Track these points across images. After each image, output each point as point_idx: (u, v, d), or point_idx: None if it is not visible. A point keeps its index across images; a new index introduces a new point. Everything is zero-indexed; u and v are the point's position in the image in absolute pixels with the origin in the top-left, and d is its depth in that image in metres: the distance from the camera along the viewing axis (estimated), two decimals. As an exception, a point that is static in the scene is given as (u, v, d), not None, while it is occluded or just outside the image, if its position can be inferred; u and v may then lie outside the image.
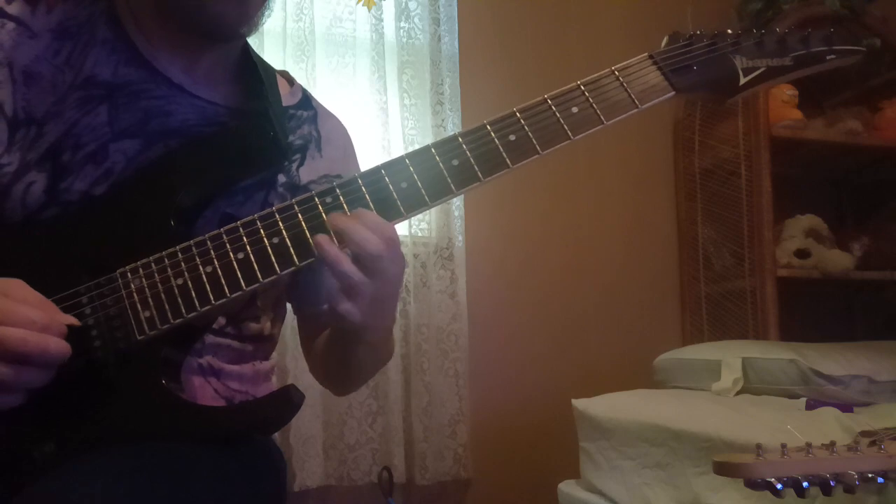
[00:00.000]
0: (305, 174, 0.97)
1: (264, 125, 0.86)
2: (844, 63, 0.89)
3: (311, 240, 0.76)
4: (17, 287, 0.71)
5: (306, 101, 1.02)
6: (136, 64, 0.87)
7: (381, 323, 0.83)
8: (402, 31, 2.15)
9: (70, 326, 0.71)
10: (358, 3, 2.10)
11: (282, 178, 0.94)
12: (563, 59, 2.34)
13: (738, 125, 2.22)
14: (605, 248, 2.36)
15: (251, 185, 0.89)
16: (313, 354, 1.02)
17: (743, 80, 0.85)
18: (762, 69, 0.86)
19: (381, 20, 2.11)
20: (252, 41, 0.99)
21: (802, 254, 2.22)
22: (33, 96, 0.83)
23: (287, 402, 0.78)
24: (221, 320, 0.88)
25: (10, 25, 0.85)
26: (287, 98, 0.98)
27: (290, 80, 1.03)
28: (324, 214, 0.76)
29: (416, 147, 2.18)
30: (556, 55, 2.35)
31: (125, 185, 0.82)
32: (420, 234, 2.12)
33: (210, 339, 0.88)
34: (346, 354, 0.89)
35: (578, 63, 2.32)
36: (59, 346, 0.69)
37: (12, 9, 0.87)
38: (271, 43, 2.00)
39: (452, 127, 2.13)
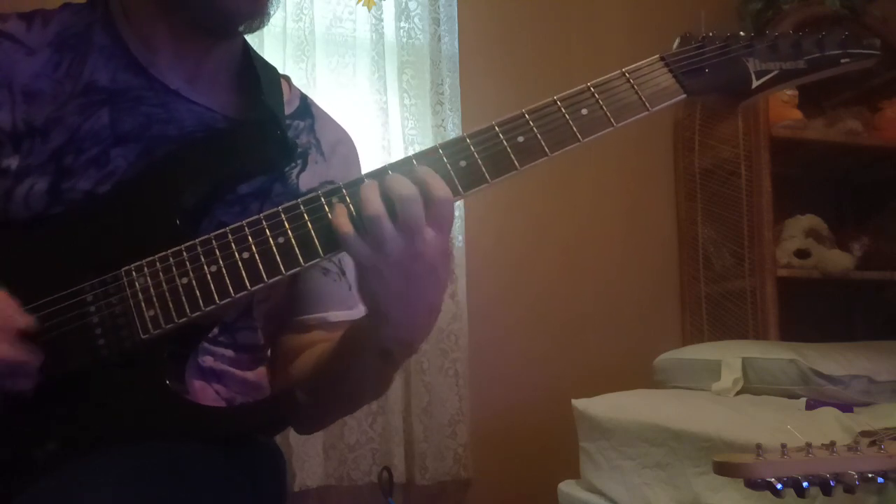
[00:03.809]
0: (307, 181, 0.96)
1: (268, 126, 0.86)
2: (859, 67, 0.87)
3: (317, 240, 0.74)
4: None
5: (304, 108, 1.01)
6: (133, 71, 0.87)
7: (409, 315, 0.74)
8: (402, 31, 2.15)
9: (72, 328, 0.71)
10: (358, 3, 2.10)
11: (279, 188, 0.92)
12: (564, 59, 2.34)
13: (738, 125, 2.22)
14: (604, 248, 2.36)
15: (247, 194, 0.89)
16: (290, 374, 0.93)
17: (756, 83, 0.83)
18: (775, 72, 0.84)
19: (381, 20, 2.11)
20: (252, 41, 0.99)
21: (802, 254, 2.22)
22: (35, 111, 0.83)
23: (289, 403, 0.78)
24: (215, 329, 0.88)
25: (7, 44, 0.85)
26: (285, 106, 0.97)
27: (290, 86, 1.02)
28: (329, 215, 0.75)
29: (417, 147, 2.19)
30: (557, 55, 2.35)
31: (130, 185, 0.82)
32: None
33: (205, 346, 0.88)
34: (351, 362, 0.83)
35: (579, 63, 2.32)
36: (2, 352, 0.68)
37: (8, 27, 0.86)
38: (271, 43, 2.00)
39: (452, 127, 2.13)
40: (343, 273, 0.98)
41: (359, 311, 0.94)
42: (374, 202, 0.68)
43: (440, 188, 0.70)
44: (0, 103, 0.82)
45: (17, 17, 0.88)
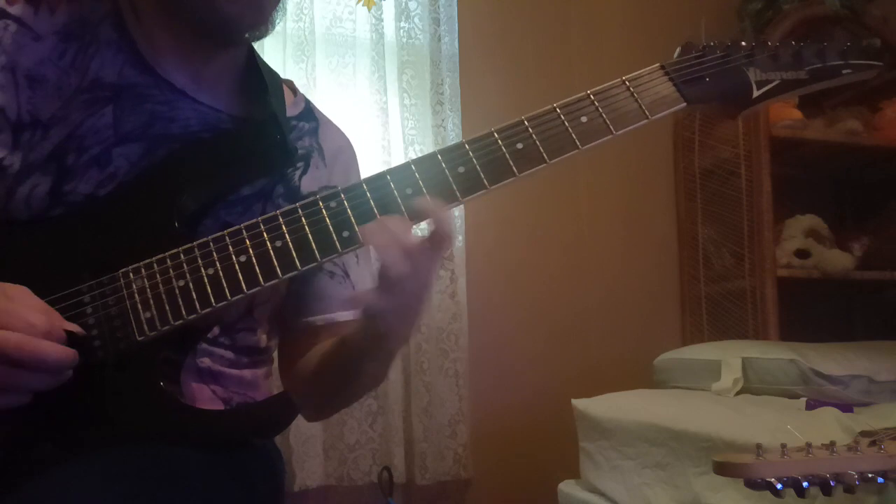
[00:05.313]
0: (307, 184, 0.96)
1: (270, 129, 0.86)
2: (861, 78, 0.87)
3: (314, 244, 0.75)
4: (22, 292, 0.71)
5: (308, 112, 1.01)
6: (140, 68, 0.87)
7: (406, 331, 0.80)
8: (402, 31, 2.15)
9: (71, 333, 0.71)
10: (358, 3, 2.10)
11: (280, 189, 0.93)
12: (564, 60, 2.34)
13: (737, 125, 2.22)
14: (604, 248, 2.36)
15: (250, 195, 0.89)
16: (297, 372, 0.96)
17: (756, 93, 0.83)
18: (776, 82, 0.84)
19: (381, 20, 2.11)
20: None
21: (802, 254, 2.22)
22: (39, 99, 0.82)
23: (286, 406, 0.78)
24: (215, 330, 0.88)
25: (13, 27, 0.84)
26: (290, 108, 0.97)
27: (294, 90, 1.02)
28: (328, 219, 0.75)
29: (417, 147, 2.18)
30: (557, 55, 2.34)
31: (129, 186, 0.82)
32: (420, 235, 2.12)
33: (204, 347, 0.88)
34: (350, 368, 0.86)
35: (579, 63, 2.32)
36: (56, 351, 0.68)
37: (14, 10, 0.85)
38: (271, 43, 1.99)
39: (452, 127, 2.13)
40: (347, 275, 0.99)
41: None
42: (399, 263, 0.71)
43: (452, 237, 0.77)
44: (3, 86, 0.82)
45: (24, 0, 0.87)
